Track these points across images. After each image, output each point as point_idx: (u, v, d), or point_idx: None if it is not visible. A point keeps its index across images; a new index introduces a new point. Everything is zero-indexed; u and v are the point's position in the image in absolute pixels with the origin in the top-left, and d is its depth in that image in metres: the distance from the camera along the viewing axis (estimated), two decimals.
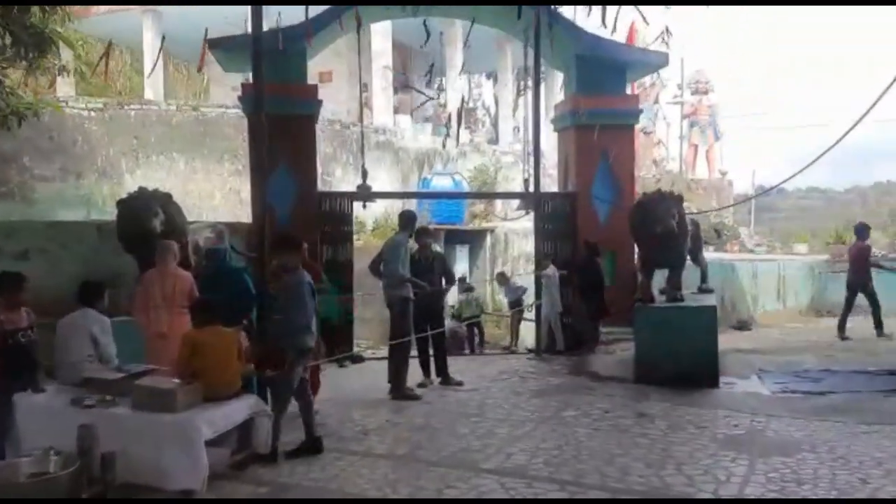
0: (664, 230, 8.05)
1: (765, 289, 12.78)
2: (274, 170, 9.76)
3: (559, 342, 9.93)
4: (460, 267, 15.28)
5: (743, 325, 11.84)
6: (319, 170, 15.06)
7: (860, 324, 11.29)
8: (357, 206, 10.45)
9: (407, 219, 7.77)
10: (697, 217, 10.75)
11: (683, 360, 7.86)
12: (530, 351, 10.34)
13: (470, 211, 16.65)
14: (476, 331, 11.86)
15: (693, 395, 7.34)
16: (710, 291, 9.52)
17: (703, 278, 9.72)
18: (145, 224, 7.13)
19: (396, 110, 18.12)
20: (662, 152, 30.35)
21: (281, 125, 9.81)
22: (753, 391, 7.59)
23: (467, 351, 11.55)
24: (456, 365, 9.40)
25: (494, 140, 22.24)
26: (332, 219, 9.97)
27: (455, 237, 15.22)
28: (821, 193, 48.46)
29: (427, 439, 5.88)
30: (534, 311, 10.34)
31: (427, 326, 7.90)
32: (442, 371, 8.02)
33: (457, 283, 12.45)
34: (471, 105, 24.30)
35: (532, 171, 10.50)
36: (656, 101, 29.31)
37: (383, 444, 5.79)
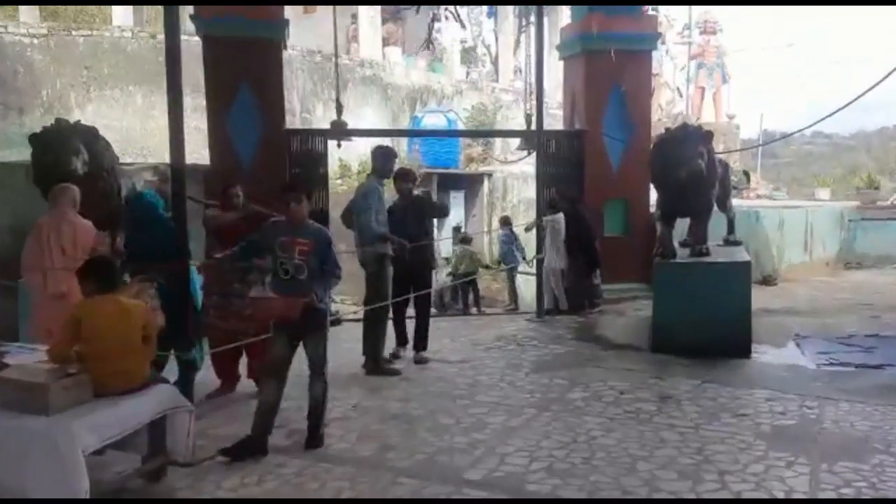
0: (690, 173, 6.76)
1: (791, 239, 11.53)
2: (233, 103, 8.46)
3: (561, 301, 8.74)
4: (454, 215, 14.00)
5: (768, 280, 10.62)
6: (298, 106, 13.71)
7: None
8: (343, 146, 9.17)
9: (380, 158, 6.43)
10: (726, 157, 9.39)
11: (710, 326, 6.70)
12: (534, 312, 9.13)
13: (466, 154, 15.27)
14: (470, 289, 10.63)
15: (723, 369, 6.18)
16: (738, 244, 8.25)
17: (730, 229, 8.45)
18: (64, 164, 5.85)
19: (386, 42, 16.56)
20: (669, 95, 28.91)
21: (242, 51, 8.45)
22: (794, 363, 6.41)
23: (460, 307, 10.37)
24: (448, 328, 8.29)
25: (494, 78, 20.68)
26: (304, 160, 8.66)
27: (449, 182, 13.89)
28: (826, 139, 47.30)
29: (401, 434, 4.71)
30: (535, 266, 9.09)
31: (410, 288, 6.67)
32: (419, 343, 6.80)
33: (453, 233, 11.23)
34: (469, 43, 22.59)
35: (535, 106, 9.09)
36: (663, 42, 28.21)
37: (345, 441, 4.61)
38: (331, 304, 4.70)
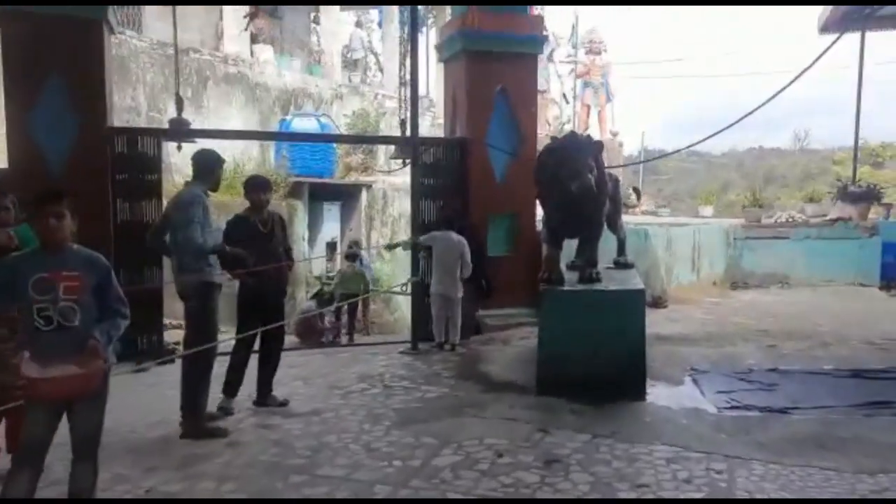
0: (581, 188, 5.90)
1: (679, 258, 11.10)
2: (40, 96, 6.93)
3: (454, 334, 7.71)
4: (328, 229, 12.78)
5: (658, 302, 10.05)
6: (144, 104, 12.08)
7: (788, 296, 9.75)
8: (184, 149, 7.75)
9: (203, 163, 5.15)
10: (616, 171, 8.69)
11: (601, 363, 5.89)
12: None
13: (345, 163, 14.06)
14: (347, 314, 9.36)
15: (618, 417, 5.32)
16: (629, 266, 7.52)
17: (621, 250, 7.70)
18: None
19: (255, 39, 15.12)
20: (556, 111, 29.10)
21: (53, 34, 6.96)
22: (694, 406, 5.63)
23: (331, 339, 9.13)
24: (307, 366, 7.09)
25: (380, 84, 19.60)
26: (131, 164, 7.22)
27: (322, 192, 12.60)
28: (700, 157, 49.59)
29: None
30: (410, 289, 8.01)
31: (258, 323, 5.42)
32: (264, 387, 5.60)
33: (326, 249, 10.04)
34: (355, 48, 21.39)
35: (409, 110, 8.04)
36: (550, 60, 28.62)
37: None
38: (112, 356, 3.40)
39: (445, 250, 7.60)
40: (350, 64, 20.50)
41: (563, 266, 6.85)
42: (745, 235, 12.52)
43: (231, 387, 5.44)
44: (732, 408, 5.58)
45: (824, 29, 15.89)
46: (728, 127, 8.57)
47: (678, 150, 10.32)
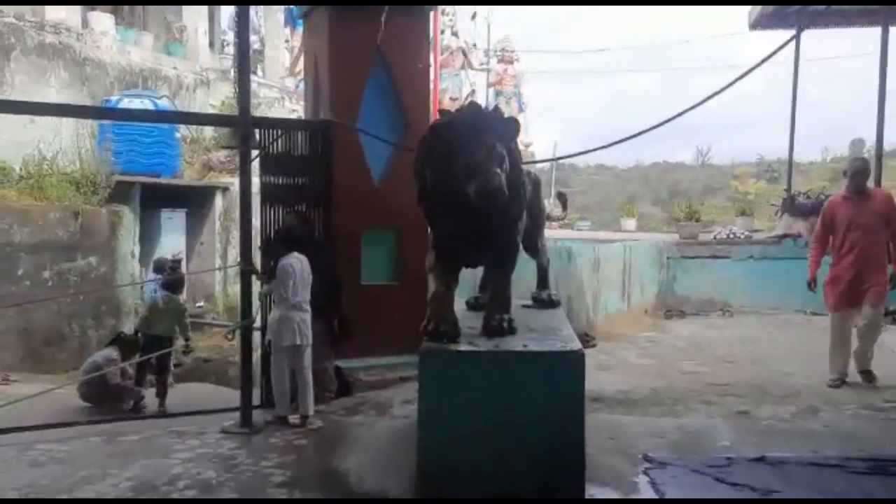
0: (487, 190, 3.71)
1: (608, 282, 9.12)
2: None
3: (304, 402, 5.31)
4: (169, 243, 10.10)
5: (586, 340, 7.97)
6: None
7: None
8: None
9: None
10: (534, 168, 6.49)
11: (516, 462, 3.78)
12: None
13: (202, 160, 11.37)
14: (157, 365, 6.66)
15: None
16: (554, 304, 5.34)
17: (543, 280, 5.52)
18: None
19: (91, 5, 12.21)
20: None
21: None
22: None
23: (132, 405, 6.46)
24: (65, 456, 4.55)
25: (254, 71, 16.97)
26: None
27: (160, 196, 9.82)
28: (608, 170, 50.01)
29: None
30: (238, 338, 5.49)
31: None
32: None
33: (153, 268, 7.55)
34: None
35: (238, 82, 5.52)
36: (463, 67, 27.37)
37: None
38: None
39: (297, 275, 5.25)
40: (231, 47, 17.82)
41: (460, 307, 4.66)
42: (681, 254, 10.70)
43: None
44: None
45: (755, 25, 14.56)
46: (644, 131, 6.43)
47: (586, 151, 8.75)
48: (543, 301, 5.29)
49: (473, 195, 3.76)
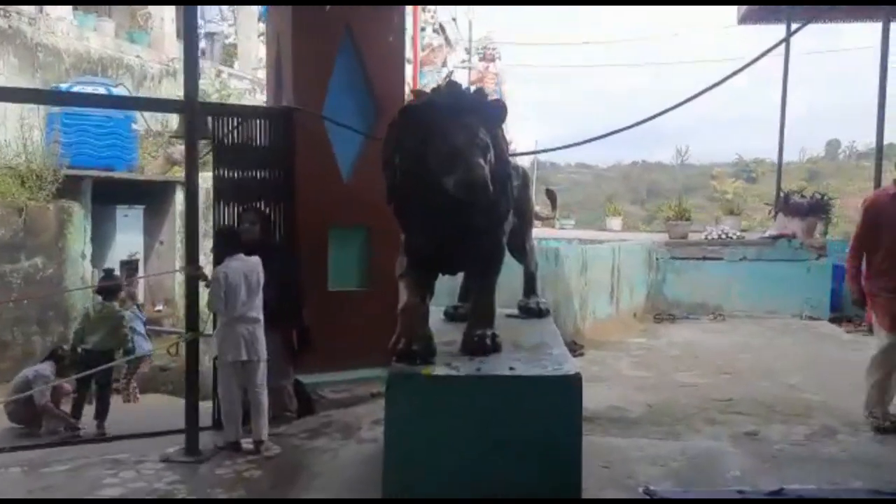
0: (468, 184, 3.14)
1: (597, 286, 8.57)
2: None
3: (258, 426, 4.68)
4: (125, 243, 9.40)
5: (574, 349, 7.40)
6: None
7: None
8: None
9: None
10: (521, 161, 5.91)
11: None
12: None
13: (166, 154, 10.63)
14: (96, 385, 5.93)
15: None
16: (543, 313, 4.76)
17: (530, 287, 4.94)
18: None
19: None
20: None
21: None
22: None
23: (62, 429, 5.75)
24: None
25: (225, 62, 16.26)
26: None
27: (116, 193, 9.05)
28: (588, 169, 50.49)
29: None
30: (185, 351, 4.84)
31: None
32: None
33: (101, 276, 6.91)
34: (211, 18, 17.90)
35: (185, 65, 4.84)
36: (444, 65, 27.09)
37: None
38: None
39: (242, 282, 4.60)
40: (207, 38, 17.09)
41: (438, 318, 4.11)
42: (670, 255, 10.17)
43: None
44: None
45: (744, 19, 14.11)
46: (625, 128, 5.86)
47: (566, 146, 8.29)
48: (531, 310, 4.71)
49: (452, 189, 3.17)
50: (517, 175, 4.32)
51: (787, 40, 11.04)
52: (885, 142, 9.76)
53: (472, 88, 3.58)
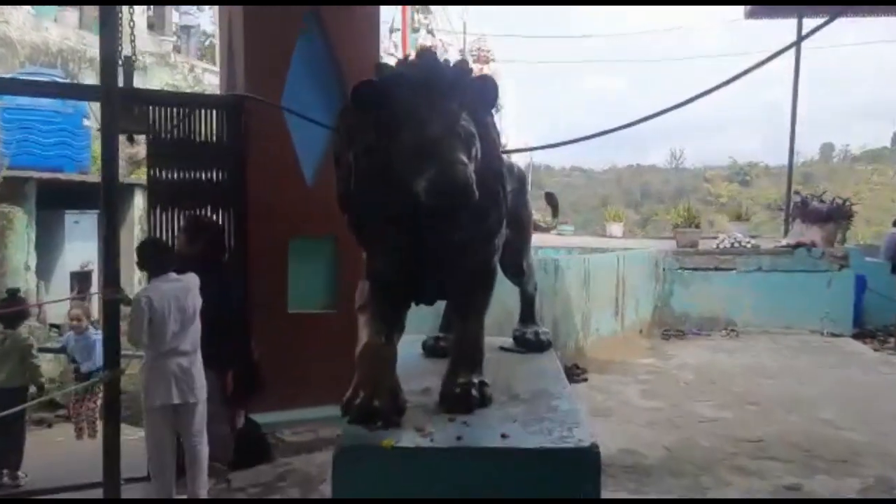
0: (445, 186, 2.26)
1: (599, 300, 7.73)
2: None
3: (194, 481, 3.83)
4: (76, 252, 8.50)
5: (574, 372, 6.55)
6: None
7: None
8: None
9: None
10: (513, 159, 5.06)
11: None
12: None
13: (129, 154, 9.71)
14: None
15: None
16: (544, 346, 3.89)
17: (528, 312, 4.04)
18: None
19: None
20: None
21: None
22: None
23: None
24: None
25: (202, 56, 15.37)
26: None
27: (64, 197, 8.10)
28: (582, 172, 50.25)
29: None
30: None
31: None
32: None
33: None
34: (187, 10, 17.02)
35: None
36: None
37: None
38: None
39: (173, 308, 3.74)
40: (182, 31, 16.23)
41: (412, 354, 3.27)
42: (679, 266, 9.34)
43: None
44: None
45: (751, 14, 13.38)
46: (622, 127, 5.06)
47: (558, 144, 7.58)
48: (529, 342, 3.82)
49: (424, 195, 2.30)
50: (512, 176, 3.45)
51: (804, 39, 10.26)
52: (879, 145, 8.98)
53: (453, 62, 2.71)
